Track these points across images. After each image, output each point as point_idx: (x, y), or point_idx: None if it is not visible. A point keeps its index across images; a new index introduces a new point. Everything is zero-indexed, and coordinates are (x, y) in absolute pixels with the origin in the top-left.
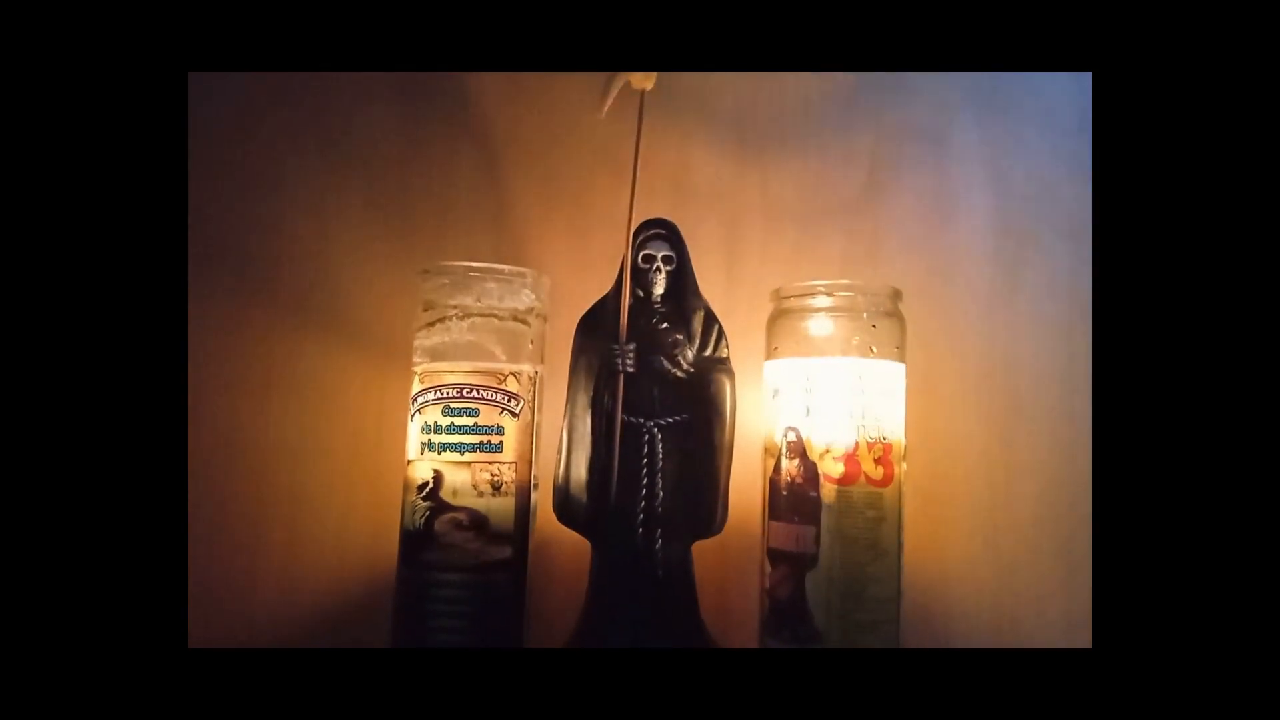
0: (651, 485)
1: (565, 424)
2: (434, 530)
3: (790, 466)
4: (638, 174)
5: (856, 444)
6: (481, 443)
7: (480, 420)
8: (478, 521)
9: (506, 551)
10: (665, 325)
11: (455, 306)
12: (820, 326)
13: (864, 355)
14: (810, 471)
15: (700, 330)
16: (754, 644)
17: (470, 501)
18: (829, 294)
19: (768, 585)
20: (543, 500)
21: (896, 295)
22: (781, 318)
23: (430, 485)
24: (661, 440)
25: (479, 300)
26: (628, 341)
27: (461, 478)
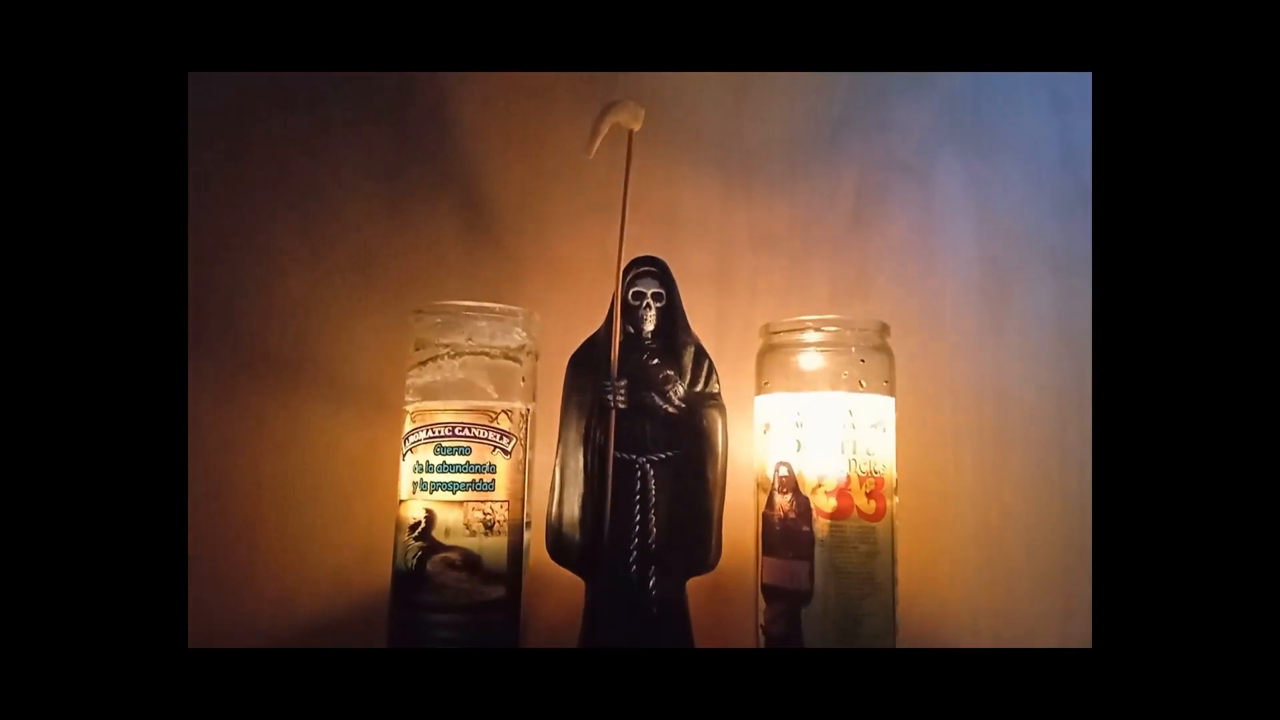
0: (645, 522)
1: (557, 461)
2: (426, 570)
3: (782, 501)
4: (627, 212)
5: (848, 478)
6: (474, 481)
7: (472, 459)
8: (470, 561)
9: (500, 591)
10: (656, 361)
11: (447, 345)
12: (810, 361)
13: (853, 390)
14: (803, 506)
15: (691, 366)
16: None
17: (463, 541)
18: (818, 329)
19: (763, 622)
20: (536, 539)
21: (884, 330)
22: (771, 353)
23: (422, 525)
24: (654, 476)
25: (470, 339)
26: (619, 378)
27: (454, 517)
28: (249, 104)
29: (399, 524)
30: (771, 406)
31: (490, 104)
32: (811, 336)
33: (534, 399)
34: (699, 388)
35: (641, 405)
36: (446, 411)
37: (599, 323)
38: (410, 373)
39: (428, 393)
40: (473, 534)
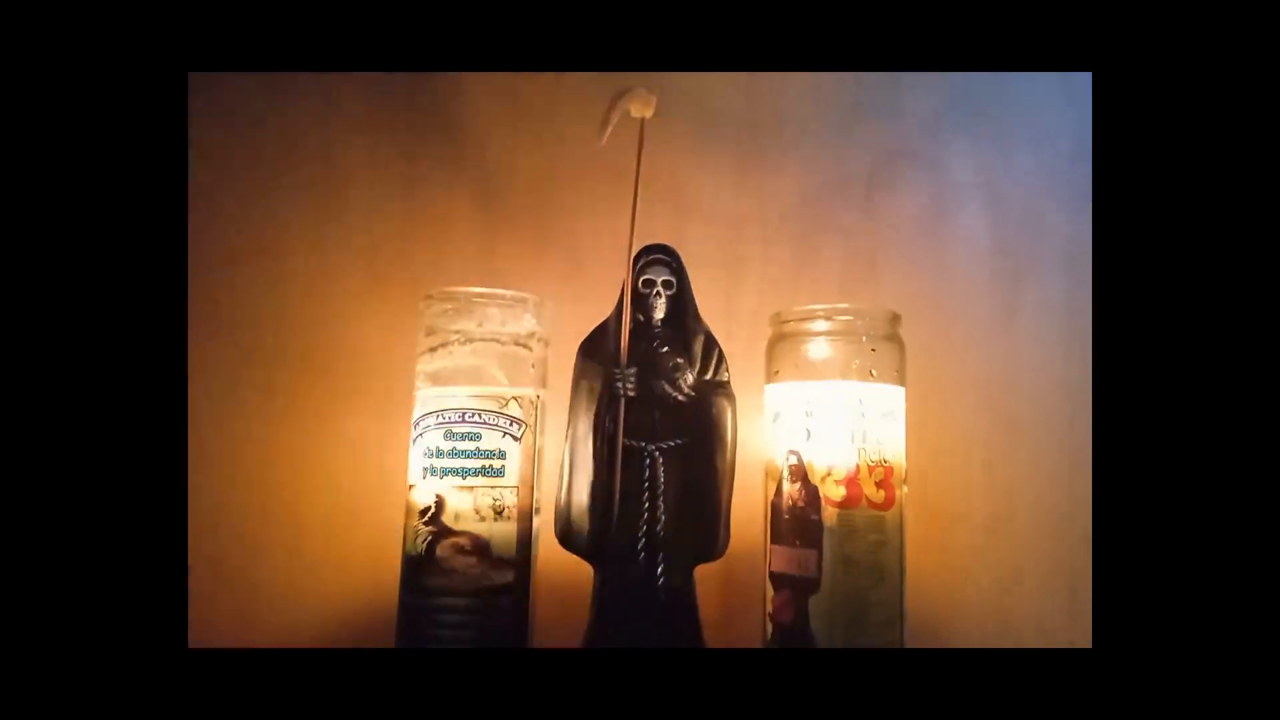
0: (653, 509)
1: (567, 448)
2: (436, 555)
3: (791, 490)
4: (638, 200)
5: (858, 467)
6: (484, 467)
7: (482, 444)
8: (480, 546)
9: (509, 576)
10: (666, 349)
11: (457, 332)
12: (820, 350)
13: (864, 379)
14: (812, 495)
15: (700, 354)
16: None
17: (472, 526)
18: (828, 318)
19: (771, 610)
20: (544, 525)
21: (895, 319)
22: (781, 342)
23: (432, 510)
24: (663, 464)
25: (481, 325)
26: (628, 365)
27: (464, 502)
28: (257, 96)
29: (409, 509)
30: (781, 395)
31: (502, 91)
32: (822, 325)
33: (544, 385)
34: (708, 376)
35: (651, 393)
36: (457, 397)
37: (609, 310)
38: (420, 359)
39: (438, 379)
40: (482, 519)
